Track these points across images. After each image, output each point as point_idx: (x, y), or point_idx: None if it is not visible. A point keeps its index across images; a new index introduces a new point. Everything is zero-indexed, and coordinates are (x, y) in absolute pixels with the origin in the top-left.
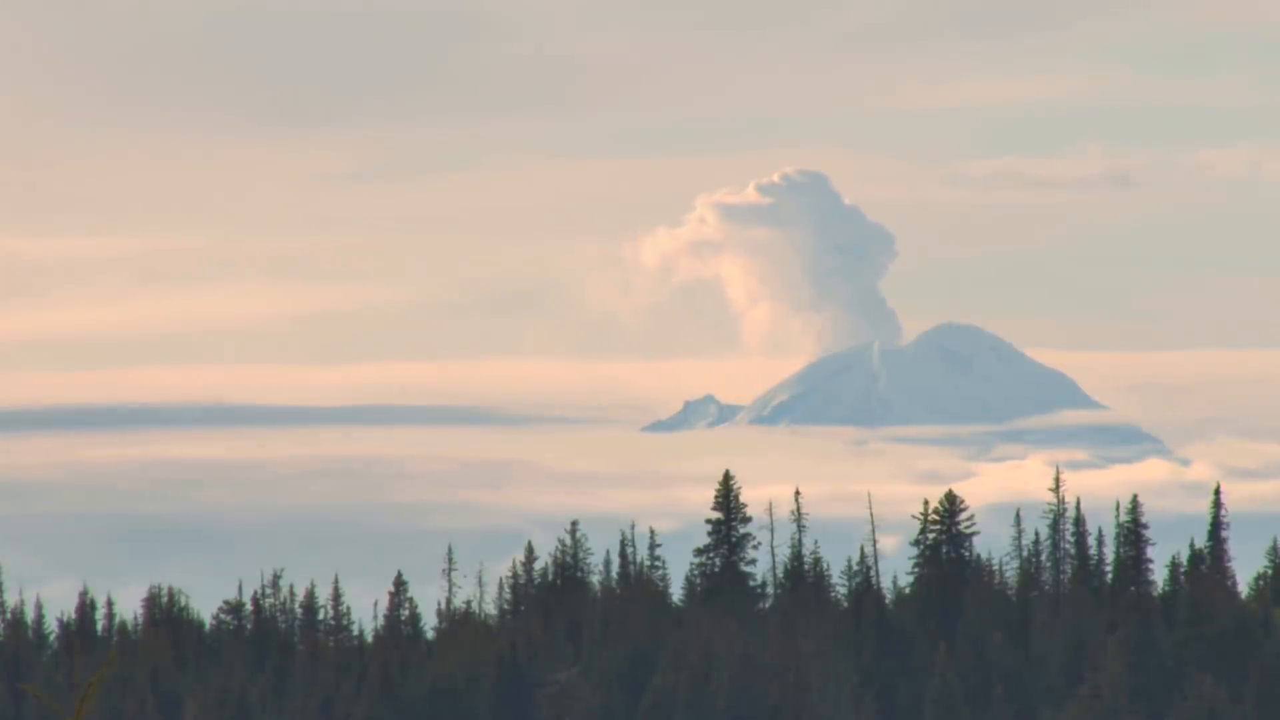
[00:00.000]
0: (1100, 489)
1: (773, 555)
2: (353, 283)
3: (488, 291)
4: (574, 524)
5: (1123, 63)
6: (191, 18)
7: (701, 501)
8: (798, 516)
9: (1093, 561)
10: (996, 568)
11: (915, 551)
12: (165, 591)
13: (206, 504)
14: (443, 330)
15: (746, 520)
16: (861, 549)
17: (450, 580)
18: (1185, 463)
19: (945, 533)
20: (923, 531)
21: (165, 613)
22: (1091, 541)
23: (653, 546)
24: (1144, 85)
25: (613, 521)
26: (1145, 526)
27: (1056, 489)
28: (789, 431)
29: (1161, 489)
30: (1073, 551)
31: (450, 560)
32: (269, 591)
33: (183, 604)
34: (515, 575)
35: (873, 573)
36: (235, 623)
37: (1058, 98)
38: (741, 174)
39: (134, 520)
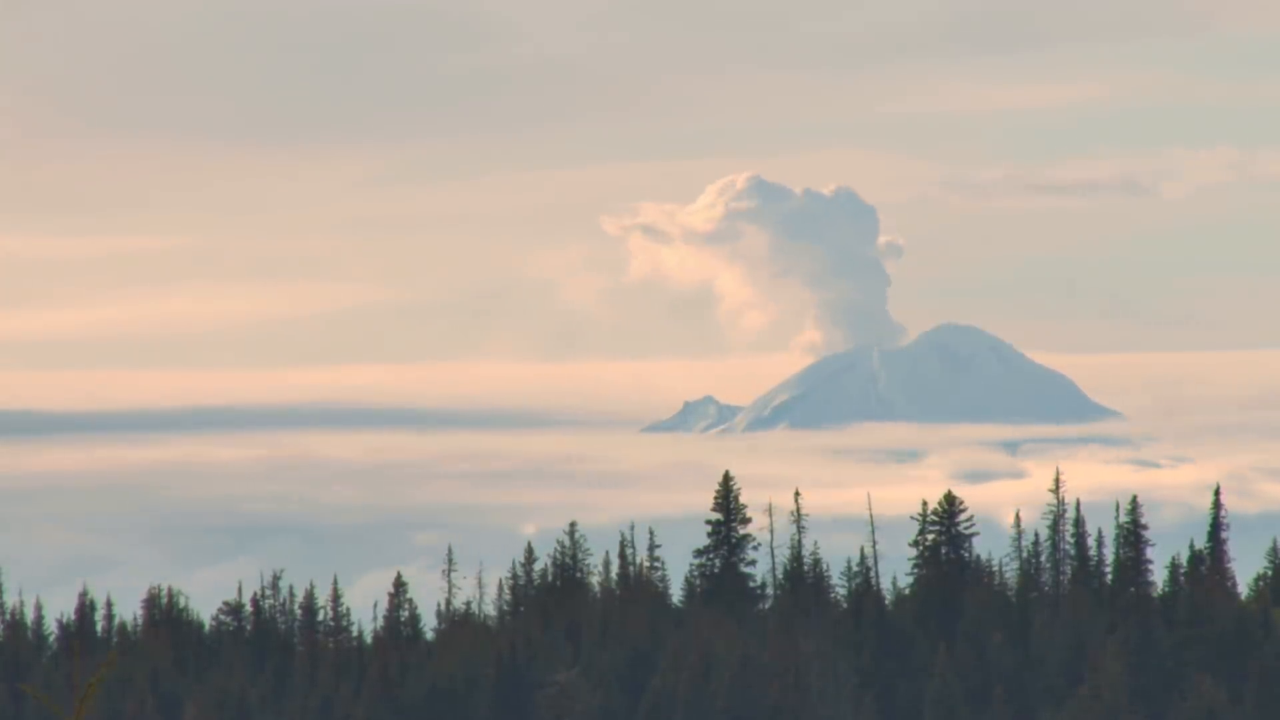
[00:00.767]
0: (1100, 490)
1: (772, 556)
2: (355, 283)
3: (486, 292)
4: (573, 525)
5: (1125, 69)
6: (161, 21)
7: (701, 503)
8: (797, 518)
9: (1092, 562)
10: (996, 569)
11: (915, 552)
12: (165, 592)
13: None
14: (443, 331)
15: (746, 521)
16: (861, 550)
17: (450, 581)
18: (1185, 463)
19: (945, 534)
20: (922, 532)
21: (165, 613)
22: (1091, 542)
23: (652, 547)
24: (1146, 90)
25: (612, 522)
26: (1145, 527)
27: (1056, 490)
28: (789, 432)
29: (1161, 490)
30: (1072, 552)
31: (450, 560)
32: (269, 592)
33: (182, 605)
34: (515, 576)
35: (872, 574)
36: (235, 623)
37: (1060, 102)
38: (743, 175)
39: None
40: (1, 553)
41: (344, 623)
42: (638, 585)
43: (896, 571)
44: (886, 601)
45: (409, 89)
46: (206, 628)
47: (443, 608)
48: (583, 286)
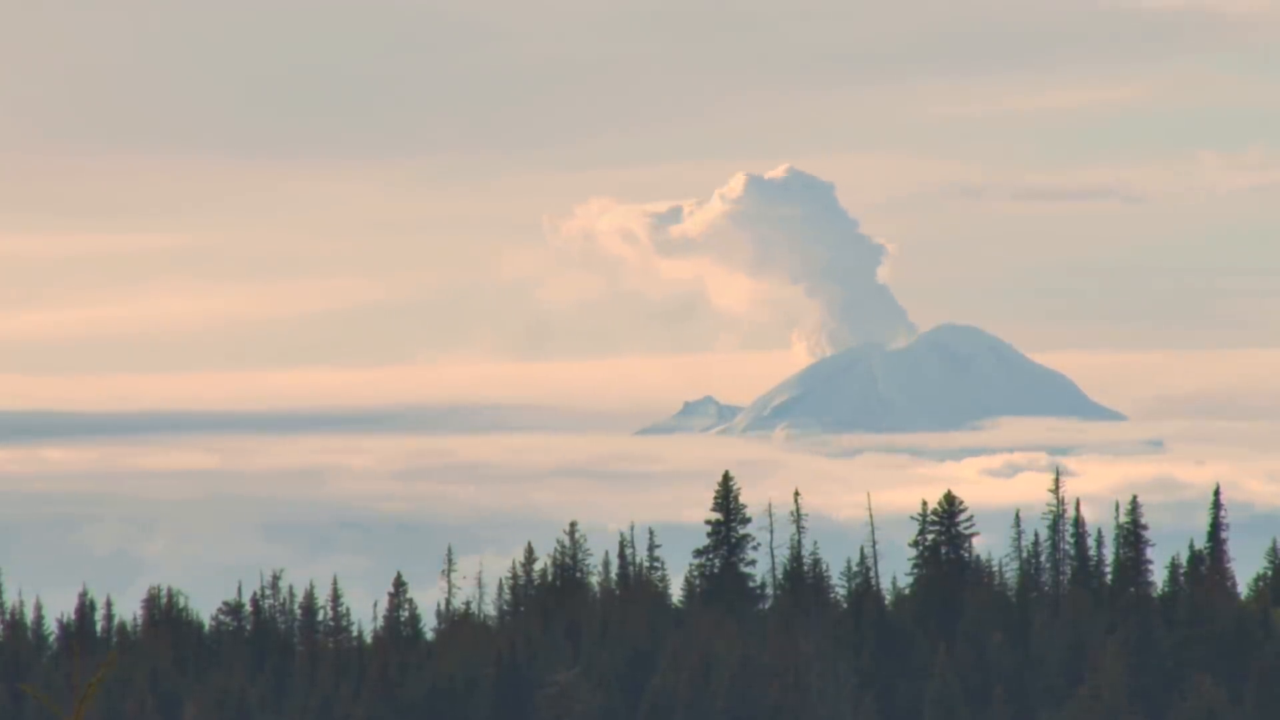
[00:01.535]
0: (1100, 490)
1: (772, 556)
2: (356, 284)
3: (487, 293)
4: (573, 525)
5: (1125, 75)
6: (156, 26)
7: (701, 502)
8: (797, 518)
9: (1092, 562)
10: (996, 569)
11: (914, 552)
12: (165, 592)
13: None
14: (442, 332)
15: (746, 521)
16: (861, 550)
17: (450, 581)
18: (1185, 463)
19: (944, 534)
20: (921, 533)
21: (165, 613)
22: (1091, 542)
23: (652, 547)
24: (1148, 95)
25: (612, 522)
26: (1144, 527)
27: (1056, 490)
28: (789, 432)
29: (1161, 490)
30: (1072, 552)
31: (450, 561)
32: (268, 592)
33: (182, 605)
34: (515, 576)
35: (872, 574)
36: (235, 624)
37: (1060, 106)
38: (743, 175)
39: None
40: (1, 553)
41: (344, 623)
42: (638, 585)
43: (896, 571)
44: (886, 601)
45: (404, 94)
46: (206, 628)
47: (442, 608)
48: (583, 286)
